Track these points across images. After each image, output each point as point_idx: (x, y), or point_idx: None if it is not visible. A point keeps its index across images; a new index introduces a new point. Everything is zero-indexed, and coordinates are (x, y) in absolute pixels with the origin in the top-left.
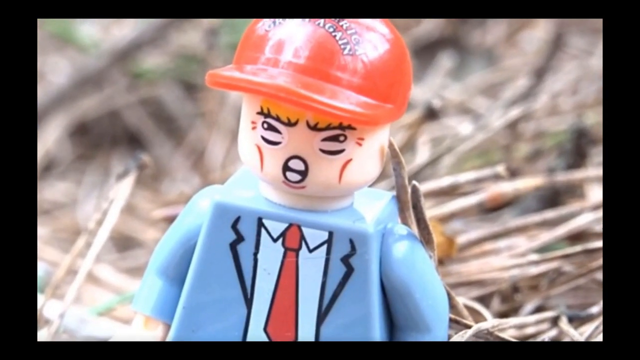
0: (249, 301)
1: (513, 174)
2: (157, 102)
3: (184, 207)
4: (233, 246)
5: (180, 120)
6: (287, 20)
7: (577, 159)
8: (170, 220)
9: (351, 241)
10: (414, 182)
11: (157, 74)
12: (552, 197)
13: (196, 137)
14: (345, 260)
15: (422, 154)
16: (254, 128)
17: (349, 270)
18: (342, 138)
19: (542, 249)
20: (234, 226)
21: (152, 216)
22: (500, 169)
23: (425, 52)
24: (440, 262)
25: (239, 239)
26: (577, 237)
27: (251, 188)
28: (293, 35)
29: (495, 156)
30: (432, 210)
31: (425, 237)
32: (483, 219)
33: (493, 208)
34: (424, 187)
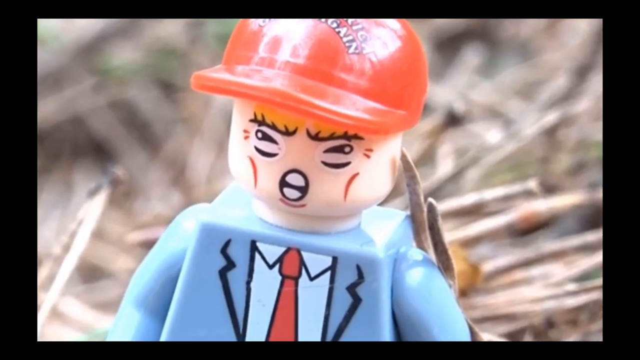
0: (240, 337)
1: (550, 190)
2: (128, 105)
3: (166, 229)
4: (222, 273)
5: (156, 126)
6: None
7: None
8: (145, 245)
9: (358, 268)
10: (430, 199)
11: (128, 72)
12: (595, 217)
13: (176, 146)
14: (352, 289)
15: (444, 167)
16: (246, 138)
17: (356, 301)
18: (347, 149)
19: (581, 278)
20: (224, 250)
21: (125, 241)
22: (533, 184)
23: (448, 45)
24: (463, 293)
25: (230, 265)
26: None
27: (243, 207)
28: (291, 31)
29: (530, 169)
30: (453, 233)
31: (444, 263)
32: (514, 243)
33: (525, 230)
34: (444, 205)
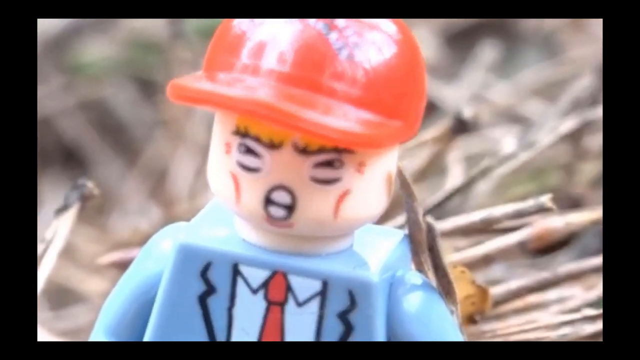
0: None
1: (573, 203)
2: (102, 106)
3: (141, 250)
4: (202, 299)
5: (134, 130)
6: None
7: None
8: (121, 266)
9: (350, 293)
10: (429, 218)
11: (102, 69)
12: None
13: (156, 153)
14: (343, 316)
15: (453, 178)
16: (228, 151)
17: (348, 329)
18: (338, 164)
19: (599, 302)
20: (203, 274)
21: (97, 262)
22: (546, 199)
23: (461, 40)
24: (471, 320)
25: (210, 290)
26: None
27: (225, 226)
28: (277, 36)
29: (552, 179)
30: (460, 253)
31: (445, 287)
32: (529, 264)
33: (541, 250)
34: (448, 223)
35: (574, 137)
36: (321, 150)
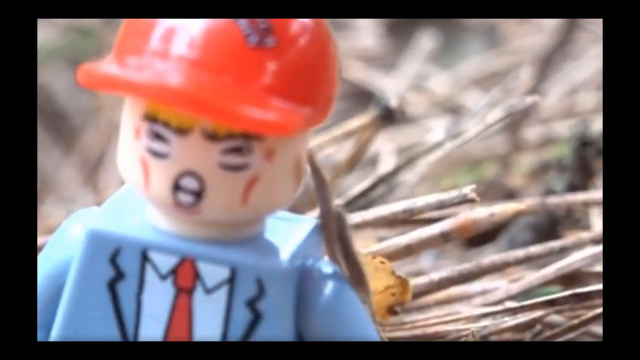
0: None
1: (510, 195)
2: (39, 92)
3: (52, 236)
4: (112, 285)
5: (71, 116)
6: None
7: (582, 176)
8: None
9: (259, 280)
10: (338, 205)
11: (40, 54)
12: (551, 227)
13: (92, 140)
14: (252, 304)
15: (385, 168)
16: (137, 137)
17: (256, 318)
18: (246, 150)
19: (523, 295)
20: (113, 260)
21: None
22: (468, 190)
23: (401, 28)
24: (391, 311)
25: (119, 276)
26: (570, 278)
27: (136, 212)
28: (188, 22)
29: (489, 171)
30: (384, 243)
31: (356, 277)
32: (461, 257)
33: (471, 241)
34: (372, 212)
35: (512, 128)
36: (230, 136)
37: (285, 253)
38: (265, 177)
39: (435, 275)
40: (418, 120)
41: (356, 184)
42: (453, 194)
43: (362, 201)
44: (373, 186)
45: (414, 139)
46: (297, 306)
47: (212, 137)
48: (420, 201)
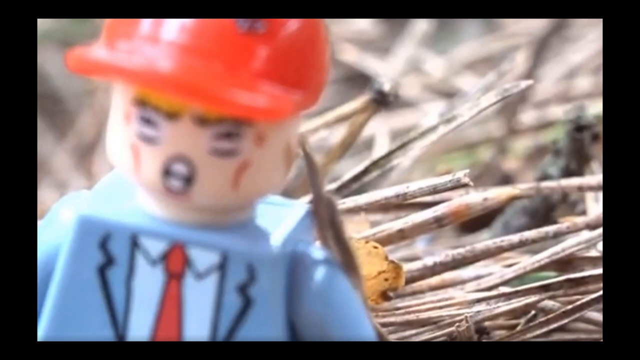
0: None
1: (506, 180)
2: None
3: (42, 221)
4: (102, 271)
5: (65, 100)
6: None
7: (578, 161)
8: None
9: (250, 266)
10: (329, 191)
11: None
12: (546, 212)
13: (86, 123)
14: (243, 290)
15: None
16: (127, 121)
17: (247, 304)
18: (236, 135)
19: (518, 280)
20: (103, 246)
21: None
22: (462, 174)
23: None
24: (384, 296)
25: (109, 261)
26: (565, 263)
27: (127, 197)
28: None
29: (485, 155)
30: (377, 228)
31: (347, 263)
32: (456, 242)
33: (466, 226)
34: (364, 197)
35: (507, 112)
36: (220, 121)
37: (277, 238)
38: (256, 163)
39: (429, 260)
40: (413, 104)
41: (351, 168)
42: (447, 178)
43: (355, 185)
44: (366, 170)
45: (408, 123)
46: (288, 292)
47: (202, 122)
48: (413, 186)
